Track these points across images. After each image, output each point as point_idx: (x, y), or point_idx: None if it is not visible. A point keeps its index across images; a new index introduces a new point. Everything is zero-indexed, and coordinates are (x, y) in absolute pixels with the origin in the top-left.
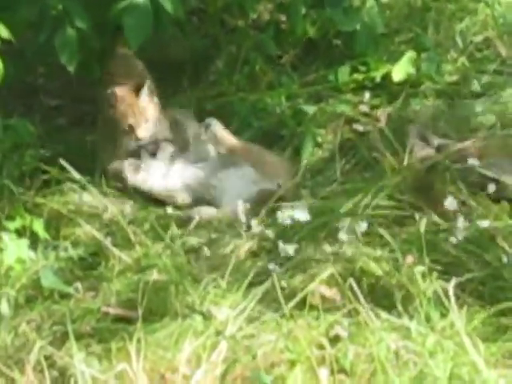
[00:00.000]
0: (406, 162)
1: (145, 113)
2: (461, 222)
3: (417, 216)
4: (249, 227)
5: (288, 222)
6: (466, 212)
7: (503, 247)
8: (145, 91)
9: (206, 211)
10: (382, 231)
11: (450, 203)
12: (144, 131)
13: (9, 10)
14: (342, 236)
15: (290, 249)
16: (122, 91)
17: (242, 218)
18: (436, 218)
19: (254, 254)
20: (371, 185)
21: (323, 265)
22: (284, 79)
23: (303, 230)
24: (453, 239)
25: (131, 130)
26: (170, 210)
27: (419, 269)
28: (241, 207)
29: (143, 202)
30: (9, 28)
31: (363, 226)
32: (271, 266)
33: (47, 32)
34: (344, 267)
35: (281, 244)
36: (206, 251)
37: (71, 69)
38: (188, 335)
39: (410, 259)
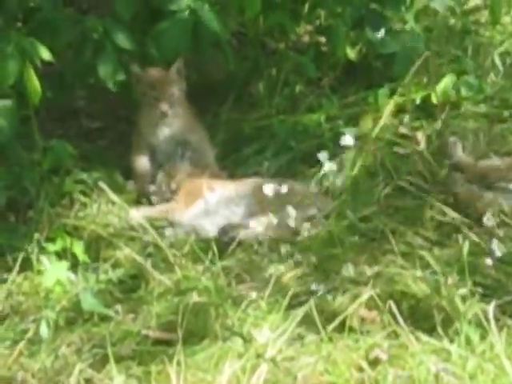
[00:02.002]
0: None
1: (170, 87)
2: (495, 244)
3: (458, 237)
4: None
5: None
6: (506, 232)
7: None
8: (174, 67)
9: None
10: (422, 252)
11: (488, 219)
12: (167, 106)
13: (49, 31)
14: (382, 257)
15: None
16: (152, 68)
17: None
18: (475, 238)
19: (293, 276)
20: (412, 207)
21: (363, 286)
22: (324, 101)
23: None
24: (492, 260)
25: (156, 102)
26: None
27: (461, 291)
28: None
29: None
30: (49, 50)
31: (403, 247)
32: (312, 288)
33: (88, 54)
34: (384, 289)
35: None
36: (246, 273)
37: (111, 86)
38: (228, 357)
39: (450, 281)
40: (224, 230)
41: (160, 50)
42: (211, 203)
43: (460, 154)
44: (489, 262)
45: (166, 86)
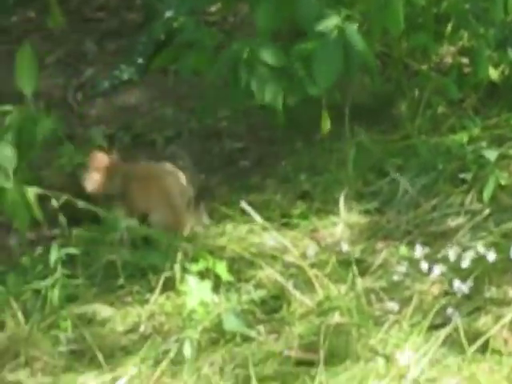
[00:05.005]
0: None
1: None
2: None
3: None
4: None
5: (466, 261)
6: None
7: None
8: None
9: None
10: None
11: None
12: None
13: (192, 52)
14: None
15: (465, 288)
16: None
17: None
18: None
19: (436, 296)
20: None
21: (506, 307)
22: (466, 122)
23: (478, 268)
24: None
25: None
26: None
27: None
28: None
29: None
30: (191, 67)
31: None
32: (450, 310)
33: (242, 75)
34: None
35: (456, 283)
36: (387, 293)
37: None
38: (370, 378)
39: None
40: None
41: (308, 70)
42: None
43: None
44: None
45: None
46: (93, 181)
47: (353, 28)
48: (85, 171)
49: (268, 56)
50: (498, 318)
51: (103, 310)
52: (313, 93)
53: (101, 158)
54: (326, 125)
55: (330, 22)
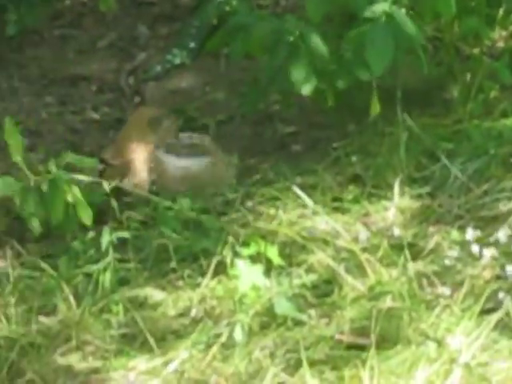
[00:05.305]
0: None
1: None
2: None
3: None
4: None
5: None
6: None
7: None
8: None
9: None
10: None
11: None
12: None
13: (244, 34)
14: None
15: None
16: None
17: None
18: None
19: (487, 280)
20: None
21: None
22: None
23: None
24: None
25: None
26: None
27: None
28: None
29: None
30: (244, 49)
31: None
32: (502, 294)
33: (282, 57)
34: None
35: (508, 267)
36: (439, 277)
37: (306, 92)
38: (421, 363)
39: None
40: None
41: (359, 55)
42: None
43: None
44: None
45: None
46: None
47: (401, 13)
48: None
49: (313, 42)
50: None
51: (155, 294)
52: (364, 78)
53: None
54: (376, 108)
55: (378, 8)
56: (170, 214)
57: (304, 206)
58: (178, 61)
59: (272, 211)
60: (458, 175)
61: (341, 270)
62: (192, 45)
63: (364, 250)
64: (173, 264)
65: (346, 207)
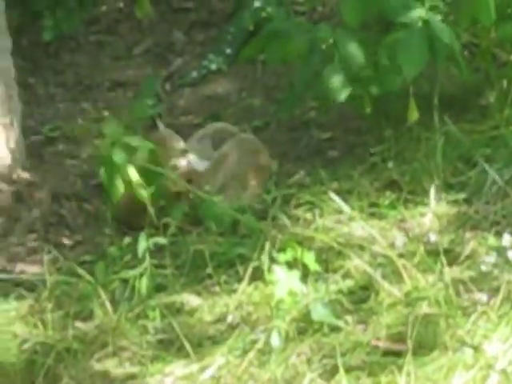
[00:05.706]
0: None
1: None
2: None
3: None
4: None
5: None
6: None
7: None
8: None
9: None
10: None
11: None
12: None
13: (279, 40)
14: None
15: None
16: None
17: None
18: None
19: None
20: None
21: None
22: None
23: None
24: None
25: None
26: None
27: None
28: None
29: None
30: (280, 56)
31: None
32: None
33: (316, 64)
34: None
35: None
36: (475, 283)
37: (341, 99)
38: (458, 369)
39: None
40: None
41: (394, 61)
42: None
43: None
44: None
45: None
46: None
47: (437, 19)
48: None
49: (348, 48)
50: None
51: (191, 300)
52: (398, 83)
53: None
54: (414, 114)
55: (414, 14)
56: (215, 209)
57: (340, 211)
58: (214, 67)
59: (308, 216)
60: (495, 180)
61: (377, 275)
62: (228, 51)
63: (400, 255)
64: (209, 270)
65: (382, 213)
